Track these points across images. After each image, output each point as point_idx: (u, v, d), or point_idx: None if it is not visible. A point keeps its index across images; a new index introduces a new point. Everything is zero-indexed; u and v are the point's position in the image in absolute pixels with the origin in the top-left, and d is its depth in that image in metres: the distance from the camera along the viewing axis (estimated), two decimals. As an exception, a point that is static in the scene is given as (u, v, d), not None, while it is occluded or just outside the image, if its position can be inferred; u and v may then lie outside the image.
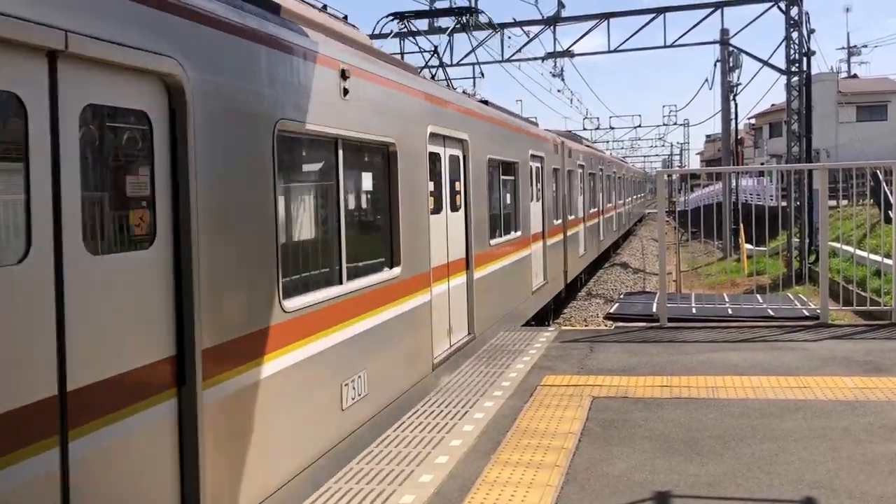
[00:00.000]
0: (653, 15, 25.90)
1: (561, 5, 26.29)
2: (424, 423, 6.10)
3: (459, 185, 9.21)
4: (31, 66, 3.19)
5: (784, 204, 25.68)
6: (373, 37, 27.47)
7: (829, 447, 5.29)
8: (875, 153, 33.35)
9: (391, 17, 15.91)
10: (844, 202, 23.59)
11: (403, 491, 4.78)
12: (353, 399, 5.92)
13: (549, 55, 29.11)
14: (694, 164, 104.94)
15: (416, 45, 24.46)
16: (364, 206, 6.98)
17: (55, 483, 3.25)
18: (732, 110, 34.68)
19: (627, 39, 27.47)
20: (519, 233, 12.13)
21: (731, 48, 31.45)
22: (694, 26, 26.66)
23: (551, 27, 27.02)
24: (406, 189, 7.19)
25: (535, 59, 29.52)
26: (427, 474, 5.04)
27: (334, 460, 5.47)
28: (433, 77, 13.46)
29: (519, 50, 28.56)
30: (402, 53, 28.21)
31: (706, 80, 50.86)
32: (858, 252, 19.76)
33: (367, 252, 6.70)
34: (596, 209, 23.46)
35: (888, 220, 22.42)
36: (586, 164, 21.20)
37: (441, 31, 27.38)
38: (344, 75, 5.92)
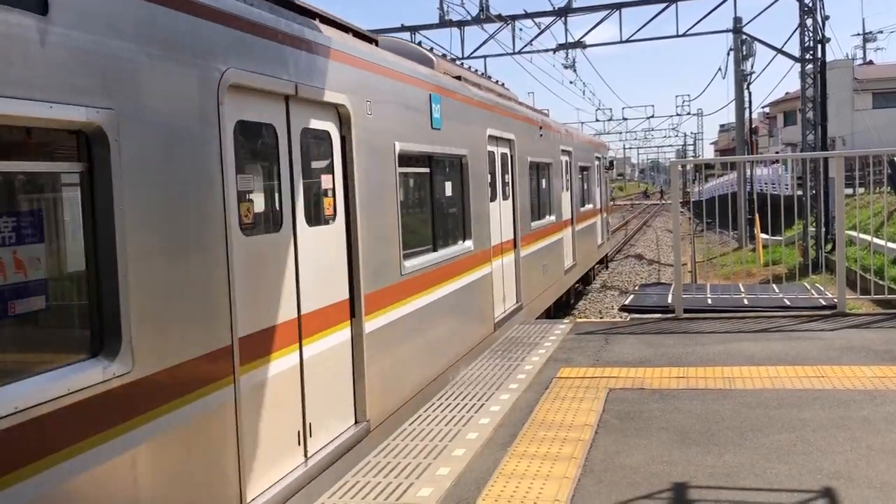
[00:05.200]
0: (665, 4, 25.75)
1: (572, -4, 26.18)
2: (441, 416, 6.12)
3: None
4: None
5: (799, 193, 25.51)
6: (382, 31, 27.55)
7: (849, 437, 5.26)
8: (892, 140, 33.03)
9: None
10: (861, 190, 23.39)
11: (421, 483, 4.80)
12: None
13: (561, 46, 29.04)
14: (708, 153, 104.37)
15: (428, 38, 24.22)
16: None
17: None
18: (746, 99, 34.45)
19: (640, 29, 27.31)
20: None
21: (744, 36, 31.22)
22: (706, 15, 26.59)
23: (563, 18, 26.92)
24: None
25: (547, 50, 29.47)
26: (444, 467, 5.05)
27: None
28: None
29: (530, 42, 28.49)
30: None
31: (719, 69, 50.64)
32: (876, 240, 19.60)
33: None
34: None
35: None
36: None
37: (452, 24, 27.35)
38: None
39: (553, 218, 14.16)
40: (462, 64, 13.28)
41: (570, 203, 16.31)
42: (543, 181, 13.86)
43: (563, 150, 15.51)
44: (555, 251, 14.18)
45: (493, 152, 10.17)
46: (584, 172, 19.05)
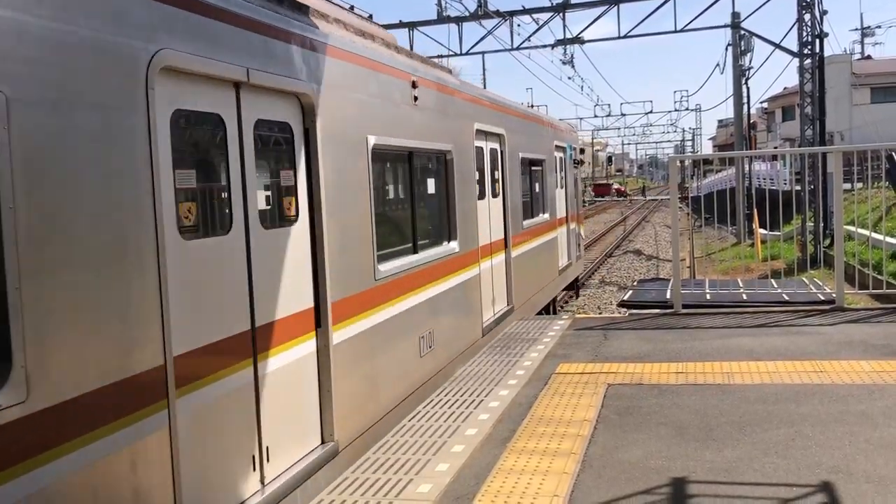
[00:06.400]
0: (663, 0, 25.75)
1: (570, -8, 26.20)
2: (439, 413, 6.12)
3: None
4: None
5: (798, 188, 25.52)
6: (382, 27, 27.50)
7: (847, 431, 5.26)
8: (890, 135, 33.04)
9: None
10: (859, 185, 23.41)
11: (420, 480, 4.81)
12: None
13: (559, 42, 29.03)
14: (706, 149, 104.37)
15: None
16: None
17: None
18: (745, 94, 34.45)
19: (638, 25, 27.29)
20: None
21: (742, 32, 31.20)
22: (704, 10, 26.53)
23: (561, 14, 26.92)
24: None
25: (545, 46, 29.50)
26: (443, 463, 5.06)
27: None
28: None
29: (528, 38, 28.48)
30: (411, 46, 28.17)
31: (718, 64, 50.62)
32: (874, 235, 19.62)
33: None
34: None
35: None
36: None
37: (450, 20, 27.33)
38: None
39: (453, 246, 8.45)
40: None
41: (504, 216, 10.70)
42: (430, 183, 8.32)
43: (483, 133, 9.83)
44: (460, 302, 8.59)
45: (231, 121, 4.67)
46: (535, 168, 13.18)
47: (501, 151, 10.80)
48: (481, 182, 9.79)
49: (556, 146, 15.05)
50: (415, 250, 7.52)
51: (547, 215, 13.84)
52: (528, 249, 12.23)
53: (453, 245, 8.52)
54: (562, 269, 15.20)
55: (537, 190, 13.42)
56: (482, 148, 9.94)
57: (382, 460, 5.17)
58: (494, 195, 10.39)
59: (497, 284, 10.28)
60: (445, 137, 8.38)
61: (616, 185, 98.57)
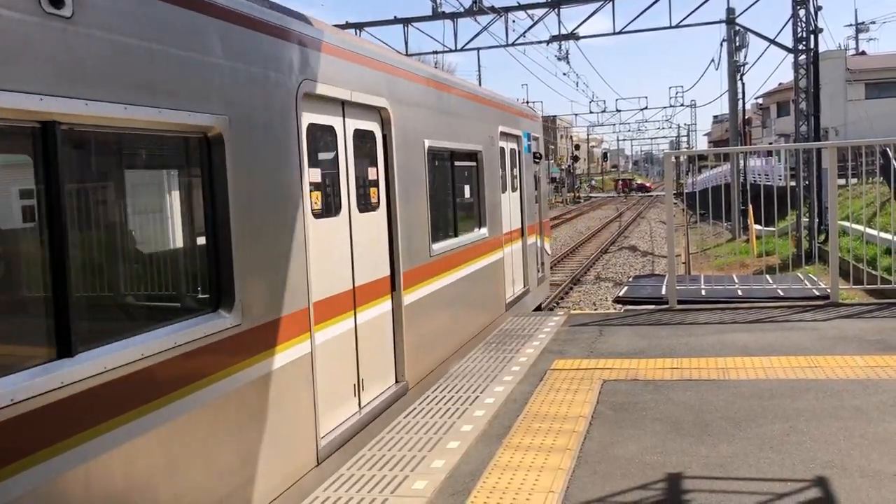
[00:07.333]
0: (658, -5, 25.75)
1: (565, -13, 26.19)
2: (435, 409, 6.12)
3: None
4: None
5: (793, 184, 25.58)
6: (374, 24, 27.50)
7: (841, 426, 5.28)
8: (885, 130, 33.10)
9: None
10: (854, 181, 23.46)
11: (416, 476, 4.80)
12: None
13: (554, 38, 29.02)
14: (702, 145, 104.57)
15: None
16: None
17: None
18: (740, 90, 34.52)
19: (633, 21, 27.32)
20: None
21: (737, 27, 31.23)
22: (699, 6, 26.51)
23: (555, 10, 26.91)
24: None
25: (540, 42, 29.49)
26: (439, 459, 5.06)
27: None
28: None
29: (523, 34, 28.49)
30: (406, 43, 28.18)
31: (713, 60, 50.58)
32: (868, 230, 19.66)
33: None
34: None
35: (898, 198, 22.27)
36: None
37: (445, 16, 27.30)
38: None
39: (220, 322, 4.29)
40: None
41: (390, 241, 6.85)
42: (160, 194, 4.67)
43: (335, 103, 5.98)
44: (252, 419, 4.56)
45: None
46: (463, 164, 9.37)
47: (385, 136, 6.84)
48: (331, 187, 5.93)
49: (503, 133, 10.89)
50: (121, 336, 3.73)
51: (485, 230, 9.76)
52: (445, 286, 8.20)
53: (222, 321, 4.36)
54: (511, 300, 10.94)
55: (467, 195, 9.55)
56: (332, 128, 6.00)
57: (378, 457, 5.17)
58: (367, 207, 6.50)
59: (368, 357, 6.36)
60: (200, 99, 4.25)
61: (640, 181, 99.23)
